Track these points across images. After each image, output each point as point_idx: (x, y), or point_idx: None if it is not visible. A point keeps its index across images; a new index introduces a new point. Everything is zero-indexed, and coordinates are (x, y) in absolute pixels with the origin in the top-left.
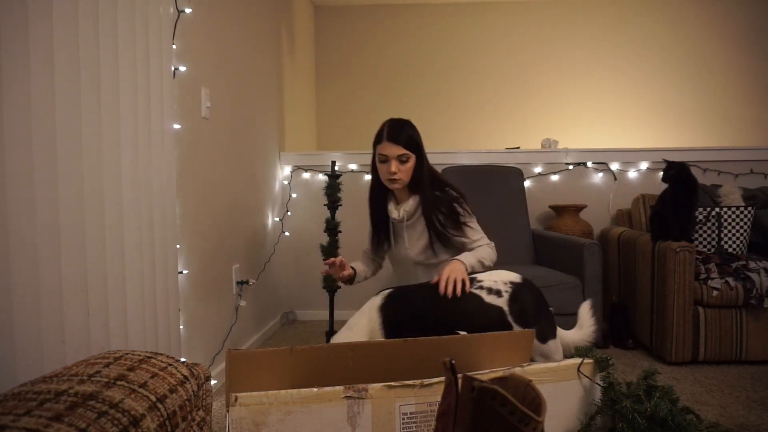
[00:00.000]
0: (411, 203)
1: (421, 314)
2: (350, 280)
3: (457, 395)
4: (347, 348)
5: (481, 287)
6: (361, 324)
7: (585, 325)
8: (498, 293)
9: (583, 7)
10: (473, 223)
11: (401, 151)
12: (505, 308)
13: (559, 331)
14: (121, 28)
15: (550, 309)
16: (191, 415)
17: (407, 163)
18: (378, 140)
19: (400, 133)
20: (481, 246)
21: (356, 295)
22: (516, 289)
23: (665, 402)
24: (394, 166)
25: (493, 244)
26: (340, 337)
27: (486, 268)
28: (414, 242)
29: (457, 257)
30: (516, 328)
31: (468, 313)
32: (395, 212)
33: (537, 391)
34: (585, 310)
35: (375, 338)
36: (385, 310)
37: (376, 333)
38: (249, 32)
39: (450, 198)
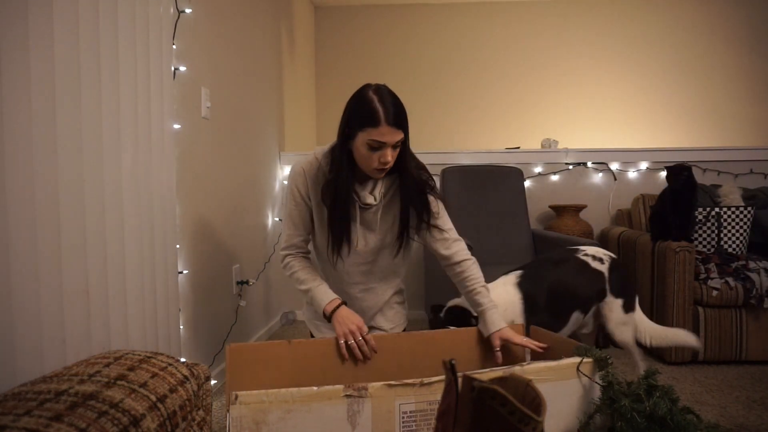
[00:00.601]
0: (385, 182)
1: (553, 287)
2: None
3: (457, 395)
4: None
5: (586, 254)
6: (498, 293)
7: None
8: (601, 260)
9: (583, 7)
10: (443, 211)
11: (401, 135)
12: (606, 274)
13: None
14: (121, 28)
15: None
16: (191, 415)
17: (398, 147)
18: (372, 122)
19: (399, 113)
20: (469, 265)
21: None
22: (613, 261)
23: (665, 401)
24: (390, 154)
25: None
26: None
27: None
28: (386, 231)
29: (499, 321)
30: (609, 296)
31: (583, 280)
32: (370, 197)
33: (537, 391)
34: (686, 336)
35: (515, 314)
36: (524, 288)
37: (516, 308)
38: (249, 32)
39: (428, 186)
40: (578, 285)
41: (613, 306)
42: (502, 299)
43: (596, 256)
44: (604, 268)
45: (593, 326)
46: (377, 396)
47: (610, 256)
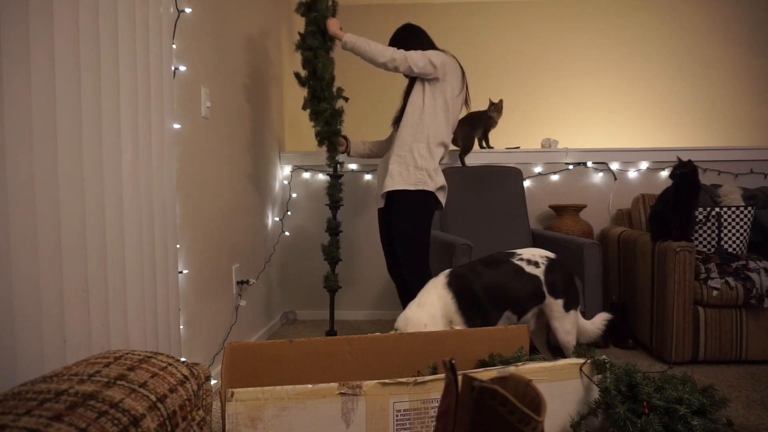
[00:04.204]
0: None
1: (489, 285)
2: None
3: (457, 395)
4: (345, 342)
5: (521, 259)
6: (432, 300)
7: (597, 323)
8: (536, 264)
9: (583, 6)
10: None
11: None
12: (542, 278)
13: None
14: (121, 28)
15: (577, 285)
16: (191, 415)
17: None
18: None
19: None
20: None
21: (357, 295)
22: (550, 263)
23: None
24: None
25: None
26: (412, 311)
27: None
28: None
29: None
30: (548, 297)
31: (517, 284)
32: None
33: (537, 391)
34: (603, 318)
35: (450, 313)
36: (454, 286)
37: (450, 307)
38: (249, 32)
39: None
40: (510, 287)
41: (554, 306)
42: (435, 302)
43: (531, 260)
44: (539, 272)
45: (535, 326)
46: (371, 394)
47: (548, 258)
